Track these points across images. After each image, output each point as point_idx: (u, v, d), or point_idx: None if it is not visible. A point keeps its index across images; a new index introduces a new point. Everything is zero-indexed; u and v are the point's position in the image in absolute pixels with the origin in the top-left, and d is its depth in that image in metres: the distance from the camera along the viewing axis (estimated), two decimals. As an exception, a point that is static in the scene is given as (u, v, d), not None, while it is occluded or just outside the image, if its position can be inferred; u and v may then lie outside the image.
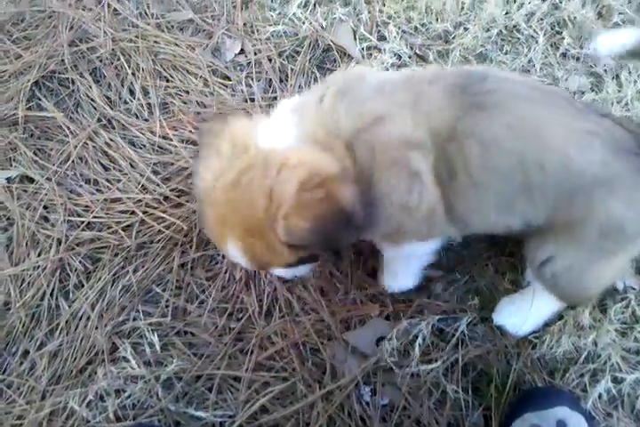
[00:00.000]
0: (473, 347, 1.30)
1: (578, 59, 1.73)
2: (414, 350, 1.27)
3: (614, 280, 1.31)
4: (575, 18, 1.77)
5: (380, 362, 1.27)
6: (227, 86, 1.77)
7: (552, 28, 1.79)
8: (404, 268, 1.32)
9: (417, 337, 1.29)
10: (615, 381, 1.26)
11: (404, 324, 1.30)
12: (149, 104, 1.72)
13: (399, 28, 1.83)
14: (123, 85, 1.75)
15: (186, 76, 1.77)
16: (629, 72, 1.67)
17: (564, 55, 1.74)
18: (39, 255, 1.48)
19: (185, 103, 1.72)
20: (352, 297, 1.37)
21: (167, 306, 1.39)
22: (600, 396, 1.24)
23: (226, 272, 1.43)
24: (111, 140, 1.64)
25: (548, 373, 1.28)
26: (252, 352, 1.31)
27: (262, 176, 0.87)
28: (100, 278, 1.43)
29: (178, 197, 1.53)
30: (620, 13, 1.78)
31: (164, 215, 1.48)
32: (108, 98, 1.74)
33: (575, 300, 1.27)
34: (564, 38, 1.75)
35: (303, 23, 1.87)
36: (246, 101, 1.73)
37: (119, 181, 1.58)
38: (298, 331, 1.31)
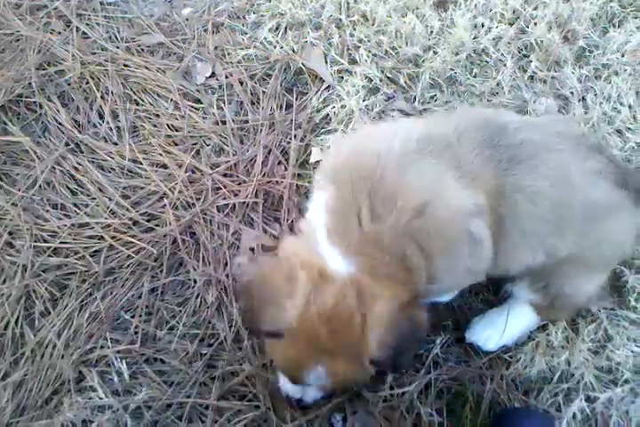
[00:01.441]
0: (447, 369, 1.35)
1: (545, 81, 1.83)
2: (387, 374, 1.31)
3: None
4: (542, 42, 1.89)
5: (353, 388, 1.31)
6: (198, 109, 1.83)
7: (519, 52, 1.90)
8: None
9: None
10: (589, 400, 1.31)
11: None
12: (119, 128, 1.77)
13: (370, 51, 1.92)
14: (92, 109, 1.80)
15: (156, 100, 1.83)
16: (595, 94, 1.78)
17: (531, 78, 1.85)
18: (4, 282, 1.50)
19: (155, 126, 1.78)
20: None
21: (136, 333, 1.41)
22: (574, 415, 1.29)
23: (197, 297, 1.46)
24: (79, 164, 1.68)
25: (523, 393, 1.33)
26: (223, 379, 1.33)
27: (358, 305, 0.94)
28: (66, 305, 1.45)
29: (147, 221, 1.57)
30: (584, 37, 1.91)
31: (133, 240, 1.52)
32: (76, 122, 1.79)
33: (560, 312, 1.37)
34: (531, 62, 1.86)
35: (274, 47, 1.96)
36: (217, 124, 1.79)
37: (87, 205, 1.61)
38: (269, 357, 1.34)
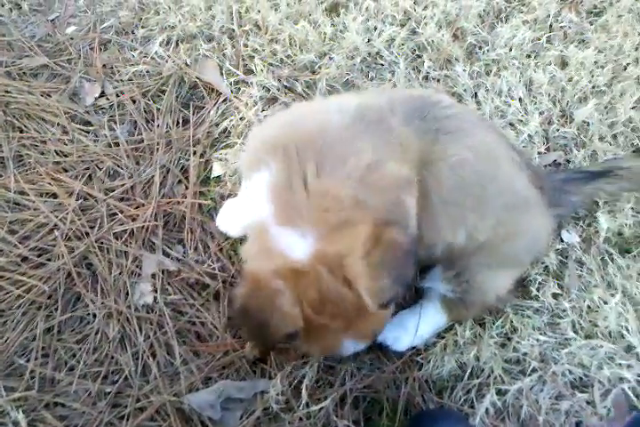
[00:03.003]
0: (361, 377, 1.38)
1: (439, 80, 1.91)
2: (301, 392, 1.32)
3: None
4: (433, 41, 1.97)
5: (267, 410, 1.31)
6: (88, 132, 1.79)
7: (412, 53, 1.97)
8: None
9: (303, 379, 1.34)
10: (499, 393, 1.38)
11: (287, 370, 1.35)
12: (2, 158, 1.71)
13: (265, 60, 1.94)
14: (-31, 142, 1.74)
15: (42, 125, 1.78)
16: (487, 89, 1.87)
17: (426, 78, 1.92)
18: None
19: (42, 154, 1.73)
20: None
21: (33, 377, 1.37)
22: (487, 410, 1.35)
23: (97, 333, 1.43)
24: (-40, 200, 1.61)
25: (437, 393, 1.38)
26: (130, 416, 1.31)
27: (334, 279, 0.98)
28: (-48, 356, 1.39)
29: (38, 256, 1.52)
30: (473, 34, 2.00)
31: (22, 278, 1.47)
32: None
33: (469, 310, 1.41)
34: (424, 61, 1.93)
35: (166, 61, 1.95)
36: (110, 146, 1.76)
37: (-30, 245, 1.55)
38: (176, 387, 1.32)
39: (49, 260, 1.51)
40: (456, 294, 1.36)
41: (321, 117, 1.14)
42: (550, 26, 2.01)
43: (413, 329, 1.38)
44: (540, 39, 1.97)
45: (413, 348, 1.40)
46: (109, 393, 1.34)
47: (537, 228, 1.32)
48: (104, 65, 1.94)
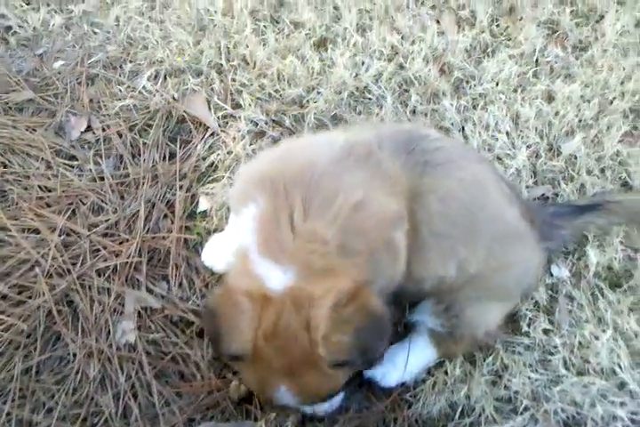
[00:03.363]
0: (349, 418, 1.37)
1: (426, 114, 1.96)
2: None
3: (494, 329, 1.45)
4: (420, 76, 2.03)
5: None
6: (73, 167, 1.82)
7: (400, 87, 2.03)
8: None
9: (287, 421, 1.33)
10: (491, 433, 1.37)
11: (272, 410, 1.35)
12: (-16, 193, 1.73)
13: (253, 95, 2.00)
14: (-48, 176, 1.76)
15: (26, 160, 1.81)
16: (474, 124, 1.92)
17: (413, 112, 1.98)
18: None
19: (26, 189, 1.75)
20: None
21: (9, 420, 1.35)
22: (478, 452, 1.34)
23: (77, 373, 1.42)
24: (-61, 236, 1.62)
25: (428, 433, 1.37)
26: (109, 461, 1.29)
27: (296, 316, 1.00)
28: None
29: (18, 293, 1.53)
30: (460, 69, 2.07)
31: (1, 316, 1.47)
32: None
33: (458, 345, 1.42)
34: (411, 96, 1.98)
35: (154, 95, 2.00)
36: (95, 181, 1.79)
37: (-52, 282, 1.55)
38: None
39: (29, 297, 1.51)
40: (445, 329, 1.37)
41: (309, 152, 1.18)
42: (536, 60, 2.09)
43: (402, 364, 1.39)
44: (526, 74, 2.03)
45: (403, 384, 1.40)
46: (88, 437, 1.33)
47: (527, 259, 1.34)
48: (91, 99, 1.99)
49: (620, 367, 1.43)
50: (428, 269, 1.21)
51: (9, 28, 2.18)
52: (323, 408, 1.24)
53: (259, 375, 1.07)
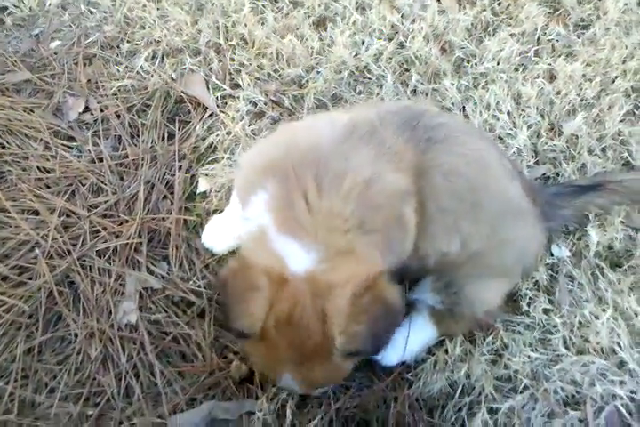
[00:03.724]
0: (350, 397, 1.38)
1: (427, 94, 1.94)
2: (286, 411, 1.32)
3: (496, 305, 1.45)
4: (420, 55, 2.00)
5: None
6: (71, 148, 1.81)
7: (400, 66, 2.01)
8: None
9: (288, 399, 1.34)
10: (491, 411, 1.38)
11: (272, 389, 1.35)
12: (-17, 175, 1.72)
13: (252, 75, 1.97)
14: (-50, 157, 1.74)
15: (24, 141, 1.79)
16: (475, 103, 1.90)
17: (414, 91, 1.95)
18: None
19: (24, 170, 1.73)
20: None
21: (12, 400, 1.36)
22: (478, 430, 1.35)
23: (79, 353, 1.42)
24: (-61, 218, 1.62)
25: (427, 411, 1.38)
26: (112, 439, 1.30)
27: (313, 306, 0.98)
28: None
29: (19, 274, 1.52)
30: (461, 48, 2.04)
31: (2, 298, 1.47)
32: None
33: (458, 323, 1.43)
34: (412, 75, 1.96)
35: (152, 76, 1.97)
36: (94, 162, 1.77)
37: (-51, 264, 1.54)
38: (160, 409, 1.32)
39: (30, 278, 1.51)
40: (445, 306, 1.37)
41: (312, 134, 1.16)
42: (538, 39, 2.05)
43: (403, 343, 1.39)
44: (527, 52, 2.00)
45: (403, 363, 1.41)
46: (91, 416, 1.34)
47: (528, 236, 1.34)
48: (88, 80, 1.96)
49: (620, 347, 1.43)
50: (433, 245, 1.20)
51: (5, 8, 2.14)
52: (322, 390, 1.25)
53: (264, 358, 1.07)
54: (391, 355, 1.40)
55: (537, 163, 1.78)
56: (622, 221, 1.61)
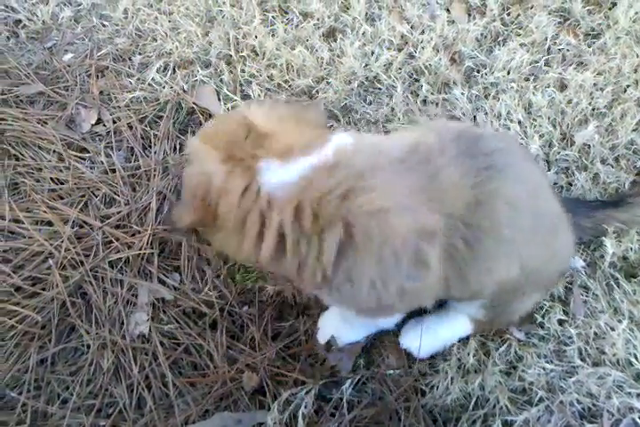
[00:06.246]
0: (361, 408, 1.36)
1: (437, 104, 1.94)
2: (298, 421, 1.32)
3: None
4: (430, 65, 2.01)
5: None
6: (84, 159, 1.82)
7: (410, 77, 2.01)
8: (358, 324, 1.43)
9: (300, 407, 1.33)
10: (506, 424, 1.36)
11: (284, 396, 1.34)
12: (-3, 186, 1.73)
13: (262, 86, 1.98)
14: (-35, 169, 1.76)
15: (37, 153, 1.81)
16: (485, 113, 1.90)
17: (424, 101, 1.96)
18: None
19: (38, 181, 1.75)
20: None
21: (25, 411, 1.36)
22: (493, 442, 1.33)
23: (91, 364, 1.42)
24: (-46, 229, 1.63)
25: (442, 423, 1.36)
26: (124, 451, 1.30)
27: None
28: (-58, 390, 1.38)
29: (32, 285, 1.53)
30: (471, 58, 2.04)
31: (16, 308, 1.47)
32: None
33: (494, 327, 1.45)
34: (422, 85, 1.96)
35: (163, 87, 1.99)
36: (107, 173, 1.79)
37: (-37, 274, 1.56)
38: (172, 420, 1.32)
39: (43, 289, 1.52)
40: (487, 318, 1.38)
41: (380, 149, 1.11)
42: (548, 49, 2.05)
43: (438, 338, 1.43)
44: (538, 62, 2.00)
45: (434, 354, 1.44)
46: (103, 427, 1.33)
47: (568, 243, 1.32)
48: (101, 92, 1.98)
49: (637, 358, 1.42)
50: (491, 277, 1.17)
51: (18, 21, 2.18)
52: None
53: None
54: (426, 349, 1.42)
55: (549, 172, 1.77)
56: (637, 232, 1.59)
